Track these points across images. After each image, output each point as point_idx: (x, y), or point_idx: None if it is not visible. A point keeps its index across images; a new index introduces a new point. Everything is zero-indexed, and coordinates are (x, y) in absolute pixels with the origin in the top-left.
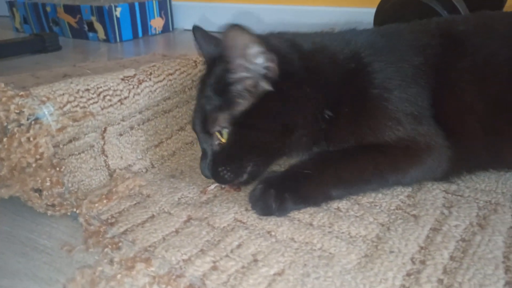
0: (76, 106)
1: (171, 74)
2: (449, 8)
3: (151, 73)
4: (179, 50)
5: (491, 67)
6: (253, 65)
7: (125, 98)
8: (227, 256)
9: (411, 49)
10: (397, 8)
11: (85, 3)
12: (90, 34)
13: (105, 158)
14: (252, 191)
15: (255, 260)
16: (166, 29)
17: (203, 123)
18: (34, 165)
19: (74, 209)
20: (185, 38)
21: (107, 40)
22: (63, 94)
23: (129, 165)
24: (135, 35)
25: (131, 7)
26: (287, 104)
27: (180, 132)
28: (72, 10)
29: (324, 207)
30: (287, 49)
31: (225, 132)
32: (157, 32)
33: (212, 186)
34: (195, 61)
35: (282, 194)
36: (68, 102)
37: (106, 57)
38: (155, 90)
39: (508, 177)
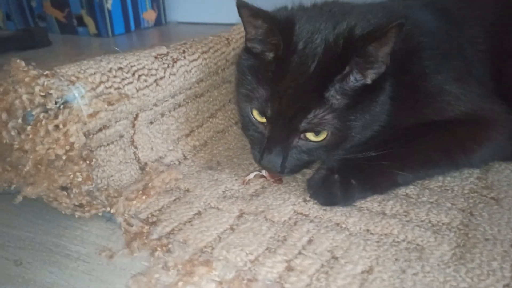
0: (110, 87)
1: (205, 52)
2: None
3: (184, 51)
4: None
5: None
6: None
7: (161, 78)
8: (300, 253)
9: (464, 23)
10: None
11: None
12: (80, 29)
13: (135, 149)
14: (311, 179)
15: (334, 257)
16: (158, 22)
17: (294, 119)
18: (64, 157)
19: (107, 209)
20: (180, 31)
21: (98, 34)
22: (95, 73)
23: (161, 157)
24: (127, 29)
25: None
26: (380, 95)
27: (211, 120)
28: (60, 3)
29: (391, 194)
30: None
31: (324, 132)
32: (150, 26)
33: (251, 176)
34: (227, 39)
35: (348, 181)
36: (101, 82)
37: (103, 51)
38: (190, 70)
39: None
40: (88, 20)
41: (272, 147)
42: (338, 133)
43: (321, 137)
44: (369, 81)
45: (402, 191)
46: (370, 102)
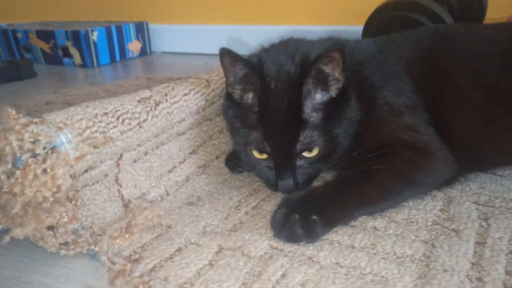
0: (96, 131)
1: (186, 95)
2: (436, 22)
3: (166, 94)
4: (160, 72)
5: (480, 61)
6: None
7: (144, 121)
8: None
9: (402, 51)
10: (384, 25)
11: (59, 28)
12: (65, 60)
13: (119, 187)
14: (272, 218)
15: None
16: (143, 52)
17: (290, 146)
18: (51, 199)
19: (92, 247)
20: (164, 60)
21: (83, 65)
22: (81, 119)
23: (144, 194)
24: (112, 59)
25: (108, 30)
26: (346, 103)
27: (192, 156)
28: (45, 35)
29: (360, 227)
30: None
31: (316, 147)
32: (135, 56)
33: None
34: (207, 80)
35: (309, 218)
36: (87, 127)
37: (88, 82)
38: (172, 112)
39: None
40: (73, 51)
41: (282, 174)
42: (327, 144)
43: (315, 152)
44: (333, 94)
45: (370, 224)
46: (340, 111)
